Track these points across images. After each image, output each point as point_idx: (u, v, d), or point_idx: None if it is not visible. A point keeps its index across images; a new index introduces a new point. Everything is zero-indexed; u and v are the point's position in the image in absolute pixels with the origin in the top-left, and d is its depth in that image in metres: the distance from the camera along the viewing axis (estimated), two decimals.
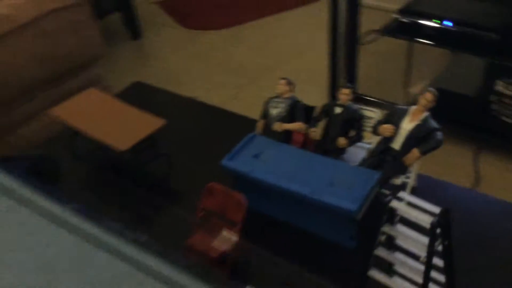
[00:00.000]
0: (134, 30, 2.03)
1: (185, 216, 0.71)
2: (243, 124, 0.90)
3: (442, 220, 0.55)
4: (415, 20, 1.29)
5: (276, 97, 0.84)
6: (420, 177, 0.80)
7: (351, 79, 1.51)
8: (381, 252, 0.61)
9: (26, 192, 0.51)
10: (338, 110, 0.81)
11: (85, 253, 0.42)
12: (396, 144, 0.76)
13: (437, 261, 0.58)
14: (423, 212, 0.58)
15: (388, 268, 0.62)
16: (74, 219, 0.45)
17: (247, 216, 0.66)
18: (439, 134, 0.75)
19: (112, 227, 0.43)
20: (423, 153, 0.74)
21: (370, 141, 0.83)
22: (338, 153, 0.81)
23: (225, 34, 2.07)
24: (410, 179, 0.78)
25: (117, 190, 0.81)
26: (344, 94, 0.81)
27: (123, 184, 0.80)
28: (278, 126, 0.82)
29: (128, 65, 1.89)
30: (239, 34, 2.05)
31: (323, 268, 0.68)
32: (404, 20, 1.30)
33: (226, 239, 0.66)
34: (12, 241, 0.44)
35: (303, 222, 0.74)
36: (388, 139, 0.77)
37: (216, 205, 0.68)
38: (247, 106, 1.25)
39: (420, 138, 0.75)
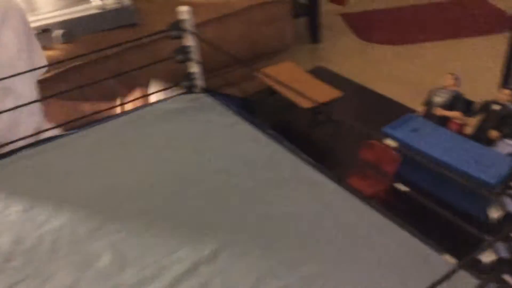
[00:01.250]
0: (315, 34, 2.27)
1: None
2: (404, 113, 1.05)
3: None
4: None
5: (441, 88, 0.97)
6: None
7: None
8: None
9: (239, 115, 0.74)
10: (496, 107, 0.91)
11: None
12: None
13: None
14: None
15: None
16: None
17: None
18: None
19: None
20: None
21: None
22: (489, 144, 0.91)
23: (399, 50, 2.20)
24: None
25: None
26: (504, 94, 0.91)
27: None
28: (439, 111, 0.95)
29: (304, 62, 2.12)
30: (412, 51, 2.16)
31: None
32: None
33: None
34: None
35: (444, 192, 0.86)
36: None
37: (373, 158, 0.84)
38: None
39: None
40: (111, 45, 0.89)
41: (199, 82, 0.81)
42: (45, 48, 1.16)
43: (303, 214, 0.55)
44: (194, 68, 0.79)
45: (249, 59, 1.44)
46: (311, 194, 0.58)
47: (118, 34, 1.22)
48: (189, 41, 0.76)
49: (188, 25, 0.75)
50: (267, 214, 0.55)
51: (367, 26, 2.43)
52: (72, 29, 1.16)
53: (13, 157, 0.68)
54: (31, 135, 0.75)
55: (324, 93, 0.99)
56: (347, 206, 0.56)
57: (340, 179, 0.60)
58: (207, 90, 0.82)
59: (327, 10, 2.40)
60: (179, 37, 0.76)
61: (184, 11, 0.74)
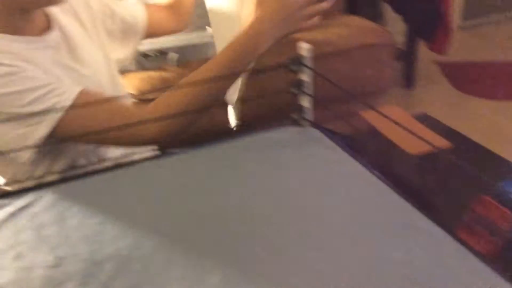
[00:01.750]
0: (410, 80, 2.25)
1: None
2: None
3: None
4: None
5: None
6: None
7: None
8: None
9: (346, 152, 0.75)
10: None
11: None
12: None
13: None
14: None
15: None
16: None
17: None
18: None
19: None
20: None
21: None
22: None
23: (499, 105, 2.12)
24: None
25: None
26: None
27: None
28: None
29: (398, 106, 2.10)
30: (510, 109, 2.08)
31: None
32: None
33: None
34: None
35: None
36: None
37: (484, 214, 0.81)
38: None
39: None
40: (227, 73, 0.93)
41: (308, 115, 0.83)
42: (159, 69, 1.24)
43: (413, 261, 0.54)
44: (306, 102, 0.81)
45: (349, 98, 1.45)
46: (421, 242, 0.57)
47: None
48: (306, 76, 0.79)
49: (307, 61, 0.77)
50: (372, 259, 0.54)
51: (465, 77, 2.37)
52: (186, 53, 1.24)
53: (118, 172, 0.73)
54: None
55: (433, 141, 0.98)
56: (460, 257, 0.55)
57: (451, 230, 0.59)
58: (314, 124, 0.83)
59: (425, 57, 2.37)
60: (296, 71, 0.78)
61: (305, 48, 0.77)
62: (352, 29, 1.49)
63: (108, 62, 0.92)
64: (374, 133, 1.03)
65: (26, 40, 0.77)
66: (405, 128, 0.72)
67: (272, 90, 1.26)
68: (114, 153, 0.87)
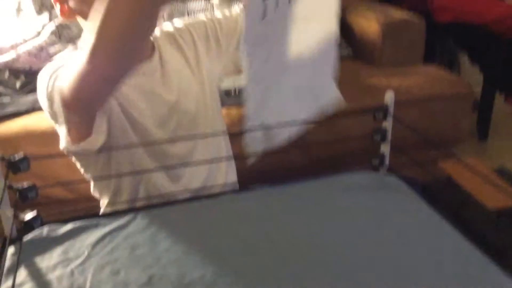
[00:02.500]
0: (484, 131, 2.20)
1: None
2: None
3: None
4: None
5: None
6: None
7: None
8: None
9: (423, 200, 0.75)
10: None
11: None
12: None
13: None
14: None
15: None
16: None
17: None
18: None
19: None
20: None
21: None
22: None
23: None
24: None
25: None
26: None
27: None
28: None
29: (470, 157, 2.06)
30: None
31: None
32: None
33: None
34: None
35: None
36: None
37: None
38: None
39: None
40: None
41: (387, 161, 0.85)
42: (239, 105, 1.31)
43: None
44: (386, 149, 0.83)
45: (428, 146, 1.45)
46: None
47: None
48: (388, 124, 0.81)
49: (391, 109, 0.80)
50: None
51: None
52: None
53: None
54: None
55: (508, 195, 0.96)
56: None
57: None
58: (392, 170, 0.85)
59: (500, 108, 2.32)
60: (379, 119, 0.81)
61: (390, 96, 0.80)
62: (429, 78, 1.50)
63: (207, 95, 0.94)
64: (451, 183, 1.03)
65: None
66: (487, 181, 0.72)
67: (351, 134, 1.28)
68: (195, 184, 0.92)
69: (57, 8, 0.83)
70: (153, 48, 0.88)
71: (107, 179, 0.89)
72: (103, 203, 0.93)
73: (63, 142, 0.80)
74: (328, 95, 0.85)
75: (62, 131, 0.80)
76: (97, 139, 0.78)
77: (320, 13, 0.77)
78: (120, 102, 0.81)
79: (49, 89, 0.77)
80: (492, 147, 2.20)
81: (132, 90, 0.82)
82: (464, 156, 2.03)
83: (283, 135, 0.78)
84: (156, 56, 0.88)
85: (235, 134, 0.88)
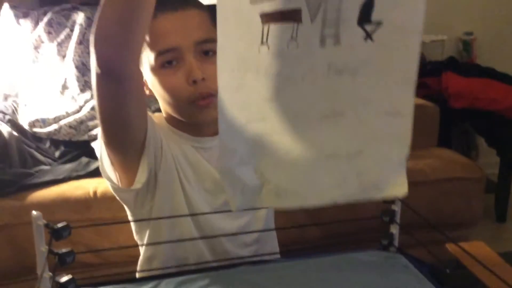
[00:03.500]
0: (501, 213, 2.22)
1: None
2: None
3: None
4: None
5: None
6: None
7: None
8: None
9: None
10: None
11: None
12: None
13: None
14: None
15: None
16: None
17: None
18: None
19: None
20: None
21: None
22: None
23: None
24: None
25: None
26: None
27: None
28: None
29: (486, 240, 2.06)
30: None
31: None
32: None
33: None
34: None
35: None
36: None
37: None
38: None
39: None
40: None
41: (395, 242, 0.91)
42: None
43: None
44: (394, 230, 0.90)
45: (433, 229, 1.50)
46: None
47: None
48: (397, 206, 0.88)
49: None
50: None
51: None
52: None
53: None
54: None
55: None
56: None
57: None
58: (401, 250, 0.90)
59: None
60: (389, 202, 0.88)
61: None
62: (443, 161, 1.58)
63: None
64: (458, 265, 1.07)
65: (195, 139, 0.93)
66: (485, 267, 0.77)
67: (362, 210, 1.34)
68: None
69: None
70: None
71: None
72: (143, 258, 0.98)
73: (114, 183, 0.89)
74: (385, 175, 0.67)
75: (112, 175, 0.88)
76: (139, 178, 0.86)
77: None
78: (176, 162, 0.91)
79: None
80: (510, 230, 2.21)
81: (184, 156, 0.92)
82: (478, 238, 2.03)
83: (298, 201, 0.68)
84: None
85: None
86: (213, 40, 0.86)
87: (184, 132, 0.93)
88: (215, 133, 0.94)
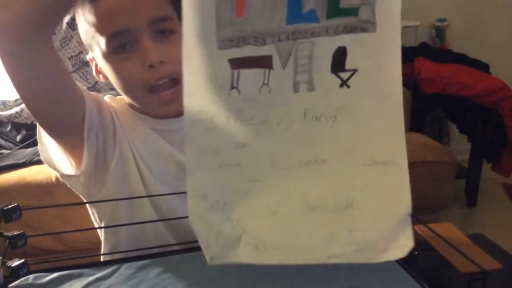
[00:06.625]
0: (471, 198, 2.24)
1: None
2: None
3: None
4: None
5: None
6: None
7: None
8: None
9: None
10: None
11: None
12: None
13: None
14: None
15: None
16: None
17: None
18: None
19: None
20: None
21: None
22: None
23: None
24: None
25: None
26: None
27: None
28: None
29: (455, 224, 2.08)
30: None
31: None
32: None
33: None
34: None
35: None
36: None
37: None
38: None
39: None
40: None
41: None
42: None
43: None
44: None
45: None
46: None
47: None
48: None
49: None
50: None
51: None
52: None
53: None
54: None
55: (484, 261, 0.99)
56: None
57: None
58: None
59: (488, 177, 2.37)
60: None
61: None
62: (413, 145, 1.57)
63: None
64: (427, 246, 1.06)
65: (157, 122, 0.86)
66: (453, 247, 0.75)
67: None
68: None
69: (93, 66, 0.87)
70: None
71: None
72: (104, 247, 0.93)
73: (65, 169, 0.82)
74: (382, 234, 0.59)
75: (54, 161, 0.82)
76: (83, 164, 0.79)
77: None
78: (133, 148, 0.84)
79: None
80: (480, 214, 2.24)
81: (145, 144, 0.85)
82: (448, 222, 2.05)
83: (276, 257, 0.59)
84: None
85: None
86: (169, 18, 0.80)
87: (144, 115, 0.86)
88: (179, 113, 0.88)
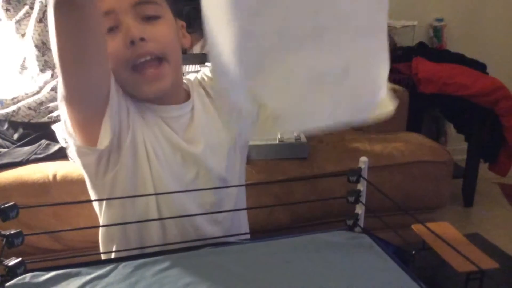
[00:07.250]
0: (468, 198, 2.25)
1: None
2: None
3: None
4: None
5: None
6: None
7: None
8: None
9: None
10: None
11: None
12: None
13: None
14: None
15: None
16: None
17: None
18: None
19: None
20: None
21: None
22: None
23: None
24: None
25: None
26: None
27: None
28: None
29: (453, 223, 2.08)
30: None
31: None
32: None
33: None
34: None
35: None
36: None
37: None
38: None
39: None
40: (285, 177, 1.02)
41: (361, 222, 0.89)
42: None
43: None
44: (360, 210, 0.88)
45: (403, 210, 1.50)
46: None
47: (289, 164, 1.38)
48: (362, 186, 0.86)
49: (364, 174, 0.85)
50: None
51: None
52: (251, 152, 1.35)
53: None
54: None
55: (481, 261, 0.99)
56: None
57: None
58: (366, 231, 0.88)
59: (485, 176, 2.37)
60: (354, 181, 0.86)
61: (363, 161, 0.85)
62: (411, 145, 1.57)
63: (238, 156, 0.96)
64: (424, 246, 1.06)
65: (162, 109, 0.88)
66: (451, 246, 0.76)
67: (329, 194, 1.33)
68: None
69: None
70: (188, 96, 0.93)
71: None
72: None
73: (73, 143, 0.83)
74: (372, 96, 0.69)
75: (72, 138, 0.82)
76: (102, 140, 0.80)
77: None
78: (139, 134, 0.85)
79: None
80: (477, 213, 2.24)
81: (154, 133, 0.86)
82: (445, 221, 2.06)
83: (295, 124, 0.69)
84: (189, 104, 0.91)
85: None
86: (153, 2, 0.82)
87: (149, 103, 0.88)
88: (181, 100, 0.91)
